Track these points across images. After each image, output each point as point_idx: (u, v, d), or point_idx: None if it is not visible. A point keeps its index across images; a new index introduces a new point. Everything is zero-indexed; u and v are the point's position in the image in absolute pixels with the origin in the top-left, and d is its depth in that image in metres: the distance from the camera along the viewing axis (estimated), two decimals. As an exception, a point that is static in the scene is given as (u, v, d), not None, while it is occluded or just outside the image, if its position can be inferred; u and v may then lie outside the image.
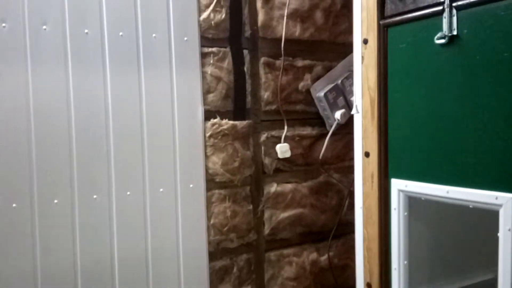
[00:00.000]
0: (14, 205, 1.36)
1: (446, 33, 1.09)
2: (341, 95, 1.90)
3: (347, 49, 1.96)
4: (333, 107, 1.89)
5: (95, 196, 1.49)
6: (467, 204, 1.06)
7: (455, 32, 1.08)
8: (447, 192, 1.09)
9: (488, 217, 1.04)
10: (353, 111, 1.34)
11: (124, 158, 1.53)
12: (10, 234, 1.36)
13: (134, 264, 1.56)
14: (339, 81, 1.91)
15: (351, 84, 1.93)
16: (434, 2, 1.12)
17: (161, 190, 1.60)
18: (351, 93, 1.91)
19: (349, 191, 1.97)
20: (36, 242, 1.40)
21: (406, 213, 1.20)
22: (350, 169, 1.99)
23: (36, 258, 1.40)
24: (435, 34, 1.12)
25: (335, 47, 1.95)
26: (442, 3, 1.09)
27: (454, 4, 1.07)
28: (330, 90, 1.88)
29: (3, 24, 1.34)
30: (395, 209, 1.23)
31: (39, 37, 1.39)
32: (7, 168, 1.36)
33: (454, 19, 1.07)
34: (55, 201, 1.43)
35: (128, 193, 1.54)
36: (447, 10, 1.08)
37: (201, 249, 1.67)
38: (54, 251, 1.43)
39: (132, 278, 1.55)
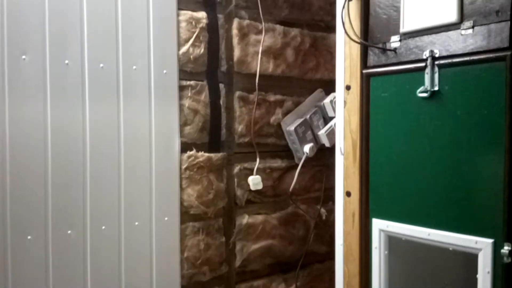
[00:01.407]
0: (-15, 243, 1.29)
1: (428, 88, 1.19)
2: (309, 129, 1.98)
3: (314, 85, 2.06)
4: (302, 140, 1.95)
5: (69, 232, 1.44)
6: (447, 247, 1.15)
7: (436, 88, 1.18)
8: (428, 234, 1.18)
9: (465, 259, 1.13)
10: (337, 153, 1.40)
11: (100, 192, 1.50)
12: (-20, 274, 1.29)
13: (107, 301, 1.51)
14: (308, 116, 1.98)
15: (319, 119, 2.01)
16: (417, 58, 1.22)
17: (136, 223, 1.57)
18: (318, 127, 2.00)
19: (315, 222, 2.04)
20: (8, 278, 1.32)
21: (386, 252, 1.28)
22: (316, 200, 2.07)
23: (7, 297, 1.33)
24: (417, 87, 1.21)
25: (303, 83, 2.03)
26: (425, 60, 1.19)
27: (436, 63, 1.17)
28: (299, 125, 1.95)
29: (-19, 53, 1.28)
30: (376, 248, 1.30)
31: (18, 67, 1.34)
32: (-21, 204, 1.28)
33: (436, 75, 1.18)
34: (29, 237, 1.36)
35: (103, 227, 1.50)
36: (429, 67, 1.18)
37: (174, 283, 1.66)
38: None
39: (105, 316, 1.51)
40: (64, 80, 1.42)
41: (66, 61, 1.42)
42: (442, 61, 1.17)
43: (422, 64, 1.20)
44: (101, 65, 1.49)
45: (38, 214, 1.38)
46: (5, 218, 1.32)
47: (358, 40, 1.31)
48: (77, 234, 1.45)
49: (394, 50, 1.26)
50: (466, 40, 1.13)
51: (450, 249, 1.14)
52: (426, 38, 1.21)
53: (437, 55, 1.18)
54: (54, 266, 1.41)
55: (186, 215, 1.69)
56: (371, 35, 1.31)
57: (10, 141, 1.33)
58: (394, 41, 1.26)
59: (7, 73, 1.32)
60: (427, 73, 1.19)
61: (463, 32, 1.13)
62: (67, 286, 1.43)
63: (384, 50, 1.28)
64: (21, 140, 1.35)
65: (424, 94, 1.20)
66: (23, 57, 1.35)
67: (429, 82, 1.19)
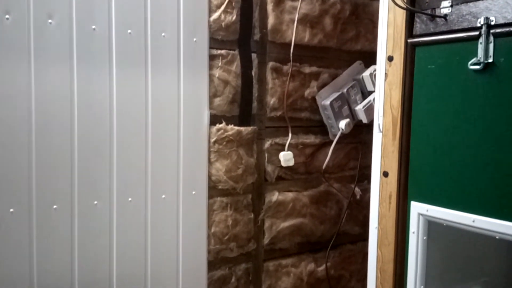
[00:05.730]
0: (11, 210, 1.28)
1: (481, 60, 1.06)
2: (346, 104, 1.87)
3: (353, 57, 1.94)
4: (338, 116, 1.85)
5: (95, 202, 1.41)
6: (493, 235, 1.05)
7: (491, 60, 1.06)
8: (473, 221, 1.08)
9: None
10: (375, 130, 1.30)
11: (127, 163, 1.46)
12: (7, 240, 1.28)
13: (133, 272, 1.49)
14: (345, 90, 1.87)
15: (356, 93, 1.90)
16: (470, 26, 1.09)
17: (163, 196, 1.54)
18: (356, 102, 1.89)
19: (349, 201, 1.95)
20: (33, 249, 1.32)
21: (425, 238, 1.19)
22: (350, 179, 1.98)
23: (33, 266, 1.32)
24: (468, 59, 1.09)
25: (342, 55, 1.92)
26: (479, 28, 1.07)
27: (492, 31, 1.05)
28: (335, 99, 1.84)
29: (6, 16, 1.24)
30: (413, 232, 1.21)
31: (44, 31, 1.30)
32: (5, 171, 1.27)
33: (491, 46, 1.05)
34: (54, 206, 1.34)
35: (130, 199, 1.47)
36: (484, 36, 1.06)
37: (201, 258, 1.62)
38: (52, 258, 1.35)
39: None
40: (91, 46, 1.37)
41: (93, 26, 1.37)
42: (498, 30, 1.04)
43: (476, 33, 1.08)
44: (129, 31, 1.43)
45: (64, 183, 1.36)
46: (30, 187, 1.30)
47: (404, 6, 1.18)
48: (103, 205, 1.43)
49: (444, 17, 1.14)
50: (528, 6, 1.00)
51: (497, 237, 1.04)
52: (481, 4, 1.08)
53: (493, 23, 1.05)
54: (80, 236, 1.39)
55: (214, 190, 1.64)
56: (418, 0, 1.19)
57: (36, 110, 1.30)
58: (445, 7, 1.14)
59: (33, 37, 1.28)
60: (481, 43, 1.06)
61: (525, -4, 1.00)
62: (93, 257, 1.42)
63: (432, 17, 1.15)
64: (46, 107, 1.32)
65: (477, 67, 1.08)
66: (50, 21, 1.30)
67: (483, 53, 1.06)
